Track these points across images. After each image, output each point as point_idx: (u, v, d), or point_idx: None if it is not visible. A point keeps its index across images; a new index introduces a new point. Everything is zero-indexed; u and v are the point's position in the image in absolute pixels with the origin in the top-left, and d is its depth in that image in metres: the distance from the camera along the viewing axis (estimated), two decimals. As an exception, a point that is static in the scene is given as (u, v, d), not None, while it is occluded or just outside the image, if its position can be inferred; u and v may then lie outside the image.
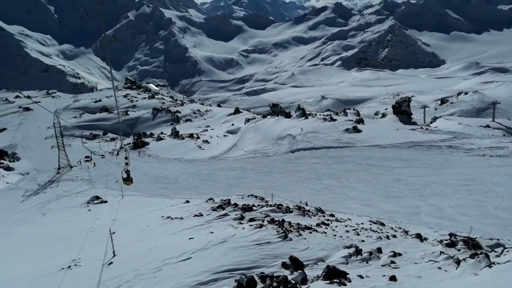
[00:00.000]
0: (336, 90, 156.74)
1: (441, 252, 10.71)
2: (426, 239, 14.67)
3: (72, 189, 34.55)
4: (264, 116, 61.14)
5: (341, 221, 17.56)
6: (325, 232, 13.83)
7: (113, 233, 15.13)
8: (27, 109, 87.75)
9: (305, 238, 12.54)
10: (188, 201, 24.21)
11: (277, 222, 14.44)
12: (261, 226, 13.35)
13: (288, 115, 56.73)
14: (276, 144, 44.67)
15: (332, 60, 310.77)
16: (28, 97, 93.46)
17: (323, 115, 54.86)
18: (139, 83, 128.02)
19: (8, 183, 45.30)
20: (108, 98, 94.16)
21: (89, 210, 25.83)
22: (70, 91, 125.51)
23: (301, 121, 51.47)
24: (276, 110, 62.51)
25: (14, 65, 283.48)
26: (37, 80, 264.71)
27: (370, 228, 16.18)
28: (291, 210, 18.87)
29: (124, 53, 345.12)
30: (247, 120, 60.16)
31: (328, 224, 15.72)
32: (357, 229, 15.32)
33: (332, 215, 19.36)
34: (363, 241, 13.15)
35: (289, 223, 14.78)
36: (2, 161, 54.82)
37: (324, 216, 18.73)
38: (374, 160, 34.60)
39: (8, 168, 52.74)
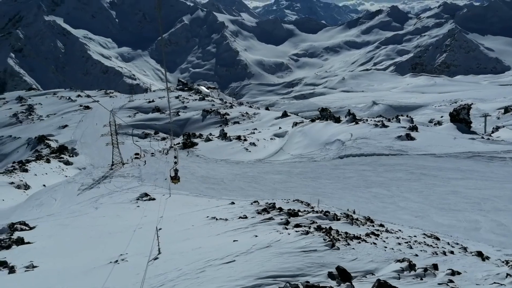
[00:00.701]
0: (388, 96, 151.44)
1: (508, 275, 9.66)
2: (488, 258, 13.42)
3: (123, 185, 35.91)
4: (313, 120, 60.19)
5: (391, 232, 16.61)
6: (375, 243, 13.07)
7: (160, 229, 15.36)
8: (87, 107, 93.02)
9: (353, 248, 11.90)
10: (233, 203, 24.19)
11: (324, 230, 13.89)
12: (307, 232, 12.88)
13: (337, 120, 55.43)
14: (324, 149, 43.70)
15: (385, 65, 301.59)
16: (88, 96, 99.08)
17: (374, 121, 52.97)
18: (191, 85, 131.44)
19: (66, 176, 48.18)
20: (161, 99, 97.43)
21: (138, 206, 26.60)
22: (126, 92, 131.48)
23: (351, 126, 50.03)
24: (325, 114, 61.30)
25: (77, 66, 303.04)
26: (97, 80, 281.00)
27: (424, 242, 15.12)
28: (338, 217, 18.17)
29: (177, 55, 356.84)
30: (295, 124, 59.54)
31: (378, 235, 14.88)
32: (409, 242, 14.36)
33: (381, 225, 18.41)
34: (416, 255, 12.25)
35: (337, 231, 14.15)
36: (62, 156, 58.45)
37: (373, 225, 17.84)
38: (428, 170, 32.72)
39: (67, 163, 56.12)
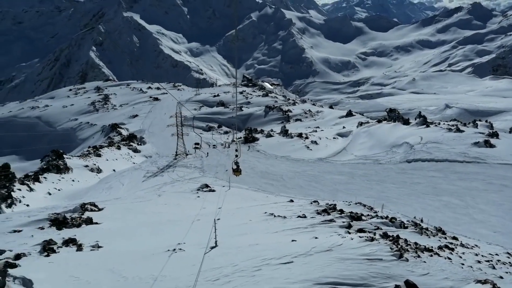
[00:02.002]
0: (464, 99, 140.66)
1: None
2: None
3: (185, 175, 36.81)
4: (379, 121, 57.50)
5: (467, 247, 14.97)
6: (449, 258, 11.75)
7: (218, 219, 15.18)
8: (156, 99, 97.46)
9: (424, 261, 10.75)
10: (292, 200, 23.57)
11: (391, 238, 12.79)
12: (372, 239, 11.92)
13: (406, 122, 52.37)
14: (390, 152, 41.41)
15: (461, 66, 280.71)
16: (158, 88, 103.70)
17: (448, 124, 49.22)
18: (255, 81, 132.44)
19: (134, 163, 50.67)
20: (226, 93, 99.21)
21: (198, 197, 26.97)
22: (193, 85, 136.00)
23: (421, 129, 46.95)
24: (393, 115, 58.27)
25: (150, 60, 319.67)
26: (167, 74, 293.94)
27: (509, 262, 13.38)
28: (405, 225, 16.81)
29: (244, 52, 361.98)
30: (360, 124, 57.28)
31: (452, 249, 13.43)
32: (491, 260, 12.76)
33: (455, 238, 16.72)
34: (501, 277, 10.77)
35: (405, 240, 12.97)
36: (131, 143, 61.66)
37: (445, 238, 16.24)
38: (510, 181, 29.56)
39: (135, 150, 59.09)
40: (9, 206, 27.48)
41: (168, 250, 12.65)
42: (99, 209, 22.92)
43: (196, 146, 52.51)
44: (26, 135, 78.21)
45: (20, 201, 30.78)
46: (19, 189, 32.84)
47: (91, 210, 22.31)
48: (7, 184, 30.27)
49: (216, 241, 12.55)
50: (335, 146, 50.47)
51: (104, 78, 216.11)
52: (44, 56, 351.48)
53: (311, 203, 21.38)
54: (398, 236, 13.31)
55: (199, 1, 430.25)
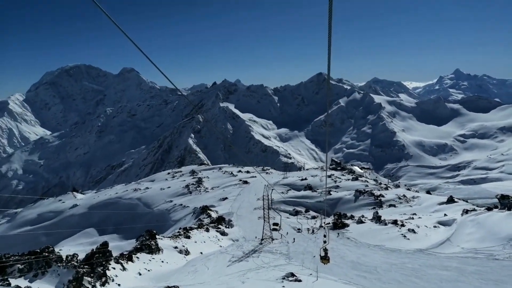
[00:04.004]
0: None
1: None
2: None
3: (270, 261, 35.27)
4: (489, 209, 50.72)
5: None
6: None
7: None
8: (245, 182, 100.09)
9: None
10: (389, 299, 20.60)
11: None
12: None
13: (523, 211, 45.32)
14: (508, 246, 35.40)
15: None
16: (247, 171, 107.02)
17: None
18: (344, 165, 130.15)
19: (221, 246, 50.55)
20: (313, 177, 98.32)
21: (283, 286, 25.19)
22: (281, 169, 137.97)
23: (545, 220, 39.96)
24: (507, 203, 51.11)
25: (242, 145, 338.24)
26: (257, 158, 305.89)
27: None
28: None
29: (332, 136, 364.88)
30: (465, 212, 51.06)
31: None
32: None
33: None
34: None
35: None
36: (220, 226, 62.42)
37: None
38: None
39: (223, 233, 59.41)
40: (103, 284, 28.44)
41: None
42: (182, 294, 22.45)
43: (275, 227, 50.87)
44: (127, 215, 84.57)
45: (113, 280, 31.82)
46: (114, 268, 34.23)
47: (175, 294, 21.94)
48: (104, 262, 31.78)
49: None
50: (436, 236, 45.04)
51: (199, 162, 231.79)
52: (150, 143, 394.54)
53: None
54: None
55: (289, 90, 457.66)
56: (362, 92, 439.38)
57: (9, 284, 22.38)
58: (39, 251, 28.87)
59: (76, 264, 29.01)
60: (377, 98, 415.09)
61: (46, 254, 28.62)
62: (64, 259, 29.03)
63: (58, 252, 31.66)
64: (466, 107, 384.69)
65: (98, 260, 32.76)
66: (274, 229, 50.28)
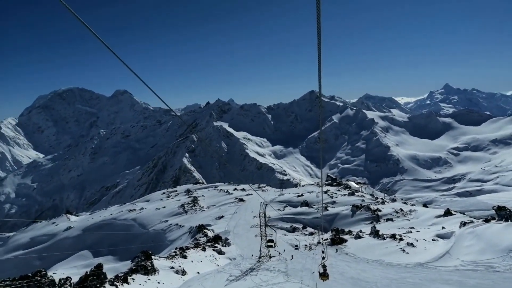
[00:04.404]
0: None
1: None
2: None
3: (269, 279, 34.61)
4: (487, 221, 50.56)
5: None
6: None
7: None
8: (241, 200, 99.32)
9: None
10: (391, 314, 20.16)
11: None
12: None
13: (521, 221, 45.20)
14: (508, 257, 35.11)
15: None
16: (243, 189, 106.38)
17: None
18: (340, 180, 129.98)
19: (218, 265, 49.67)
20: (309, 193, 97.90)
21: (283, 304, 24.61)
22: (277, 186, 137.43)
23: (543, 230, 39.83)
24: (504, 214, 51.00)
25: (236, 163, 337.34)
26: (252, 175, 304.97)
27: None
28: None
29: (326, 152, 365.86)
30: (463, 224, 50.85)
31: None
32: None
33: None
34: None
35: None
36: (216, 245, 61.51)
37: None
38: None
39: (220, 252, 58.46)
40: (97, 307, 27.67)
41: None
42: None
43: (270, 244, 50.18)
44: (122, 236, 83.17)
45: (107, 303, 30.97)
46: (108, 290, 33.34)
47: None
48: (98, 285, 30.98)
49: None
50: (435, 249, 44.64)
51: (194, 182, 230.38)
52: (144, 164, 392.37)
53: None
54: None
55: (282, 108, 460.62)
56: (354, 108, 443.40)
57: (0, 310, 21.67)
58: (31, 275, 28.13)
59: (69, 287, 28.29)
60: (370, 114, 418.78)
61: (38, 278, 27.89)
62: (57, 283, 28.30)
63: (51, 276, 30.87)
64: (458, 121, 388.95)
65: (92, 283, 31.95)
66: (269, 246, 49.55)
